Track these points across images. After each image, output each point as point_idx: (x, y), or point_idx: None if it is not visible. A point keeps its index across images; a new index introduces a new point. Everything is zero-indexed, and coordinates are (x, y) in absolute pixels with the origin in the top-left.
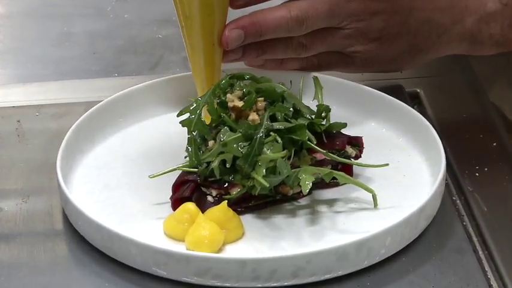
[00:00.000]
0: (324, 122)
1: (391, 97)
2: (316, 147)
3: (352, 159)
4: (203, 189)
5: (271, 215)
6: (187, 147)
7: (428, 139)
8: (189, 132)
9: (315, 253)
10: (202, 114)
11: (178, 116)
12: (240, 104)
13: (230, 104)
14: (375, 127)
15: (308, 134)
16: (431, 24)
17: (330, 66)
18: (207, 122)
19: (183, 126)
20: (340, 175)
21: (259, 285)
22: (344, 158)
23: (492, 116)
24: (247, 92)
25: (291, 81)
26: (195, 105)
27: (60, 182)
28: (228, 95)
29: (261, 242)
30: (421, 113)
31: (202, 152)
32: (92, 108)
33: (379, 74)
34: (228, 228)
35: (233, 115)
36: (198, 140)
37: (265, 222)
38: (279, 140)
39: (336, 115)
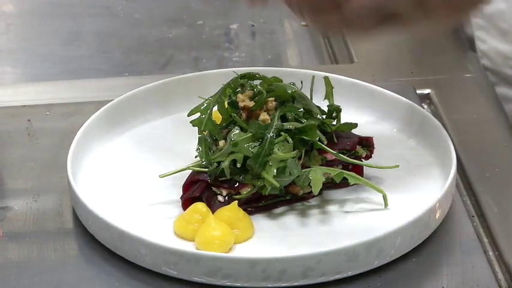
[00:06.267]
0: (334, 122)
1: (402, 97)
2: (326, 147)
3: (363, 160)
4: (213, 189)
5: (281, 215)
6: (197, 147)
7: (439, 139)
8: (200, 131)
9: (325, 253)
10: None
11: (188, 115)
12: (250, 104)
13: (241, 104)
14: (385, 127)
15: (319, 134)
16: None
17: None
18: (218, 121)
19: (193, 125)
20: (350, 175)
21: (269, 285)
22: (354, 158)
23: (503, 116)
24: (258, 92)
25: (301, 82)
26: (205, 104)
27: (70, 181)
28: (239, 95)
29: (271, 242)
30: (432, 114)
31: (213, 151)
32: (102, 108)
33: (390, 74)
34: (238, 228)
35: (244, 115)
36: (209, 140)
37: (275, 222)
38: (290, 140)
39: (347, 115)
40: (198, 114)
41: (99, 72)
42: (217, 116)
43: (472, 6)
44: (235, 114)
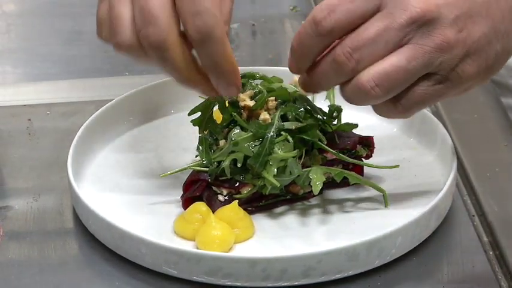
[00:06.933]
0: (335, 122)
1: None
2: (326, 147)
3: (363, 159)
4: (214, 188)
5: (281, 214)
6: (198, 146)
7: (439, 139)
8: (200, 131)
9: (326, 253)
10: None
11: (189, 115)
12: (251, 103)
13: (241, 103)
14: (386, 127)
15: (319, 134)
16: None
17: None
18: (218, 121)
19: (194, 125)
20: (351, 175)
21: (270, 285)
22: (355, 158)
23: (503, 116)
24: (259, 91)
25: None
26: (206, 104)
27: (70, 181)
28: (240, 94)
29: (271, 241)
30: (432, 113)
31: (213, 151)
32: (103, 107)
33: None
34: (238, 228)
35: (244, 114)
36: (209, 139)
37: (275, 221)
38: (290, 139)
39: (347, 115)
40: (198, 114)
41: (100, 71)
42: (217, 116)
43: (500, 68)
44: (235, 114)
